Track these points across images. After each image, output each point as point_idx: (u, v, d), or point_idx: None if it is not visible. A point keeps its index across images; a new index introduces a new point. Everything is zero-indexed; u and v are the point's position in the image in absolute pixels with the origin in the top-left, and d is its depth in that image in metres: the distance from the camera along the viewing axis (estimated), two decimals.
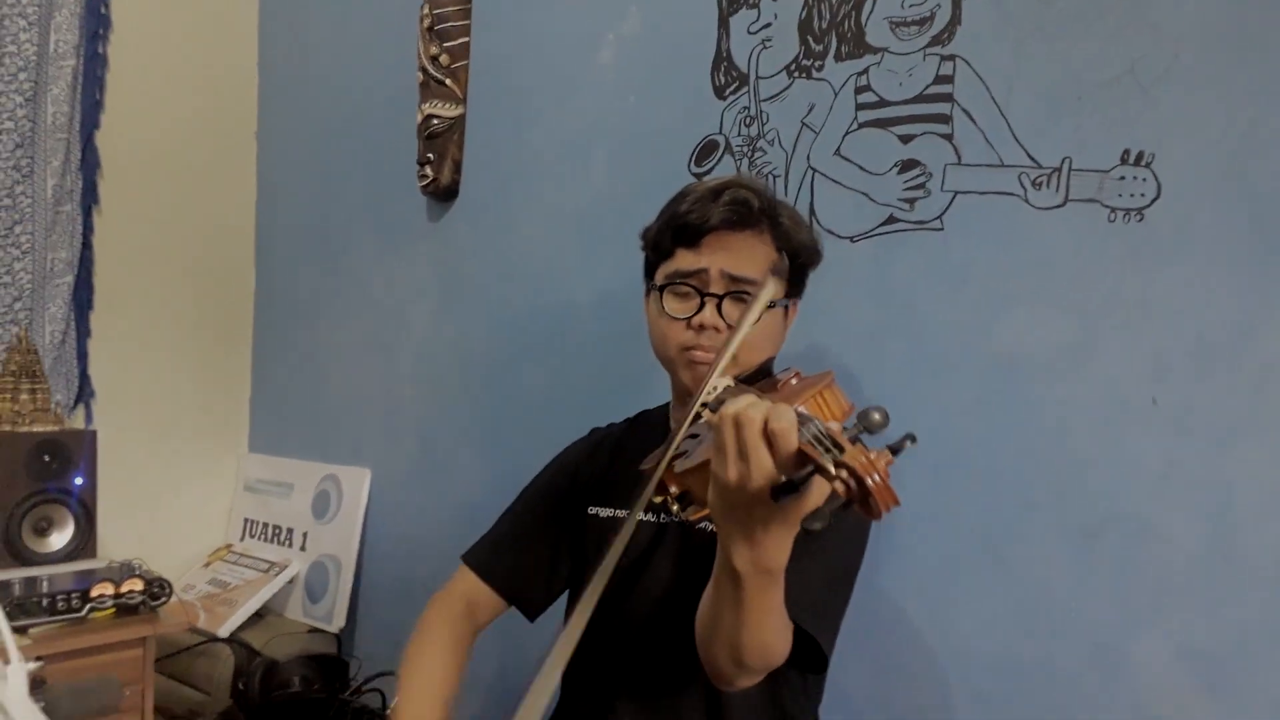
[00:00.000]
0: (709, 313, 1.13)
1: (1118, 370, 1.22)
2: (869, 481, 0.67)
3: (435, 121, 2.02)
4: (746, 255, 1.13)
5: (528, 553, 1.33)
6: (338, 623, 2.13)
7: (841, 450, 0.70)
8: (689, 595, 1.04)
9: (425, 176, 2.03)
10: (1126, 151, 1.22)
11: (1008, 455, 1.30)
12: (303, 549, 2.26)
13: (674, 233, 1.16)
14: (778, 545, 0.83)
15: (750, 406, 0.79)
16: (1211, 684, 1.15)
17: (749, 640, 0.91)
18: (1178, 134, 1.19)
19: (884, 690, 1.40)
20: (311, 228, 2.40)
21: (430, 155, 2.03)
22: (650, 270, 1.23)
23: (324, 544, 2.21)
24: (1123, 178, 1.23)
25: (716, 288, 1.13)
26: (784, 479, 0.73)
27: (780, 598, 0.91)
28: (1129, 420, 1.21)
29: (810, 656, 1.05)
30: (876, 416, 0.74)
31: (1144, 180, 1.21)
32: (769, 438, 0.76)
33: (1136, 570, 1.20)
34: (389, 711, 1.13)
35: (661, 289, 1.17)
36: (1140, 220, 1.21)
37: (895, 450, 0.70)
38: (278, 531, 2.33)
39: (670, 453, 0.93)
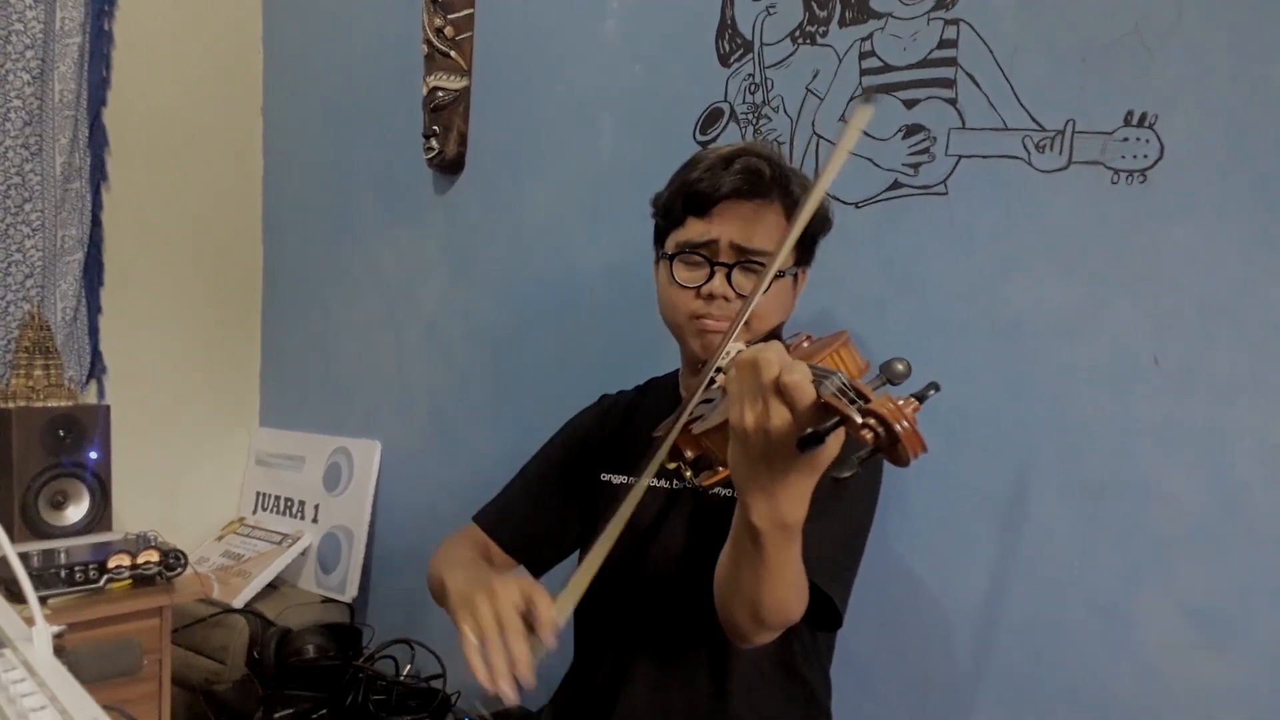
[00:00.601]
0: (719, 282, 1.13)
1: (1121, 331, 1.23)
2: (898, 428, 0.67)
3: (440, 94, 2.03)
4: (757, 225, 1.13)
5: (537, 515, 1.34)
6: (350, 593, 2.16)
7: (867, 400, 0.71)
8: (701, 559, 1.06)
9: (431, 149, 2.04)
10: (1130, 113, 1.22)
11: (1013, 417, 1.31)
12: (314, 521, 2.28)
13: (685, 200, 1.16)
14: (796, 500, 0.84)
15: (766, 349, 0.79)
16: (1213, 640, 1.16)
17: (768, 597, 0.92)
18: (1181, 95, 1.19)
19: (891, 649, 1.42)
20: (318, 203, 2.41)
21: (436, 128, 2.03)
22: (660, 237, 1.23)
23: (336, 516, 2.24)
24: (1126, 139, 1.23)
25: (726, 258, 1.14)
26: (809, 430, 0.72)
27: (798, 554, 0.91)
28: (1132, 381, 1.22)
29: (824, 614, 1.06)
30: (900, 367, 0.76)
31: (1147, 142, 1.21)
32: (782, 391, 0.76)
33: (1139, 529, 1.21)
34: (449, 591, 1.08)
35: (672, 257, 1.17)
36: (1143, 182, 1.22)
37: (921, 398, 0.71)
38: (290, 504, 2.36)
39: (686, 416, 0.94)
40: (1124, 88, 1.23)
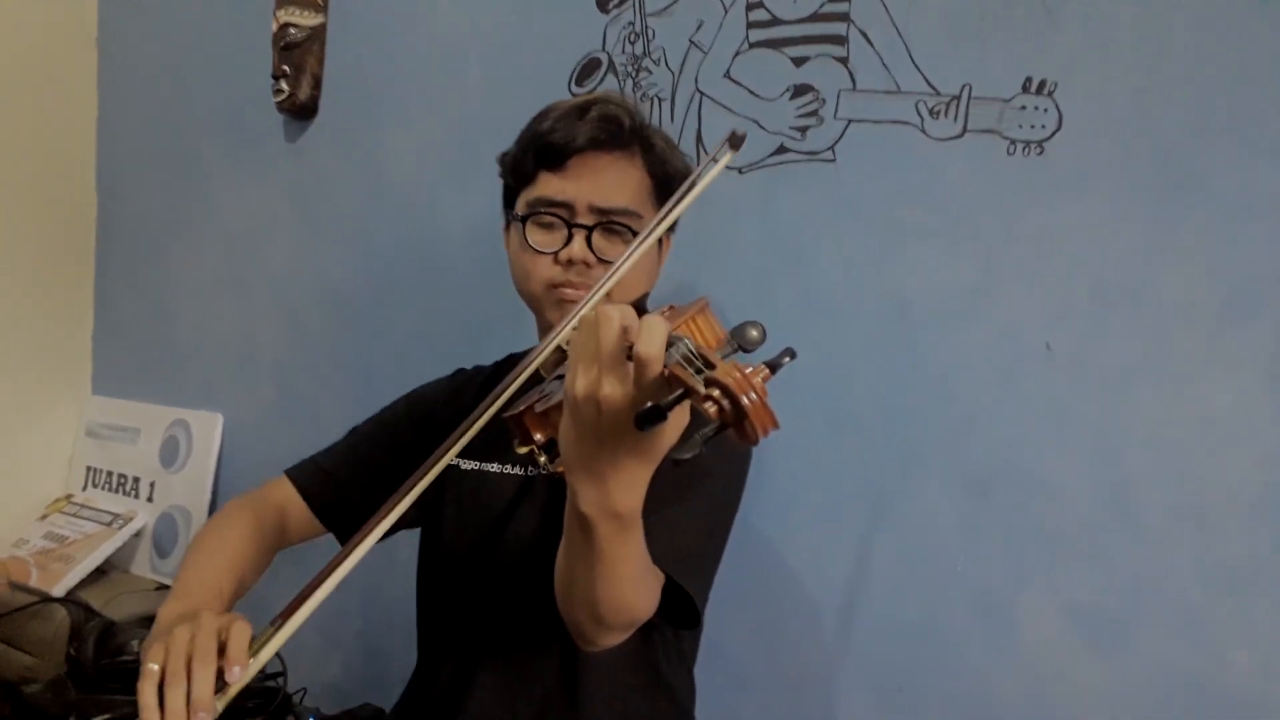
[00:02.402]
0: (578, 246, 1.02)
1: (1013, 314, 1.16)
2: (744, 401, 0.58)
3: (292, 31, 1.82)
4: (616, 182, 1.03)
5: (359, 482, 1.21)
6: None
7: (713, 367, 0.61)
8: (553, 554, 0.94)
9: (281, 92, 1.83)
10: (1029, 79, 1.15)
11: (896, 402, 1.24)
12: (150, 500, 2.07)
13: (536, 154, 1.04)
14: (630, 486, 0.73)
15: (610, 307, 0.68)
16: (1097, 643, 1.11)
17: (606, 595, 0.81)
18: (1082, 62, 1.12)
19: (763, 647, 1.34)
20: (159, 148, 2.17)
21: (286, 68, 1.83)
22: (510, 199, 1.10)
23: (173, 494, 2.03)
24: (1024, 107, 1.15)
25: (585, 219, 1.03)
26: (649, 404, 0.62)
27: (639, 546, 0.81)
28: (1022, 367, 1.15)
29: (682, 610, 0.96)
30: (753, 333, 0.67)
31: (1045, 111, 1.14)
32: (624, 358, 0.66)
33: (1025, 524, 1.16)
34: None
35: (524, 219, 1.05)
36: (1040, 153, 1.14)
37: (773, 367, 0.61)
38: (123, 481, 2.14)
39: (509, 390, 0.85)
40: (1023, 52, 1.16)
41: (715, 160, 0.87)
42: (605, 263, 1.02)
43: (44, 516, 2.17)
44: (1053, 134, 1.13)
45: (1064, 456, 1.13)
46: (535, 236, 1.04)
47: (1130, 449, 1.10)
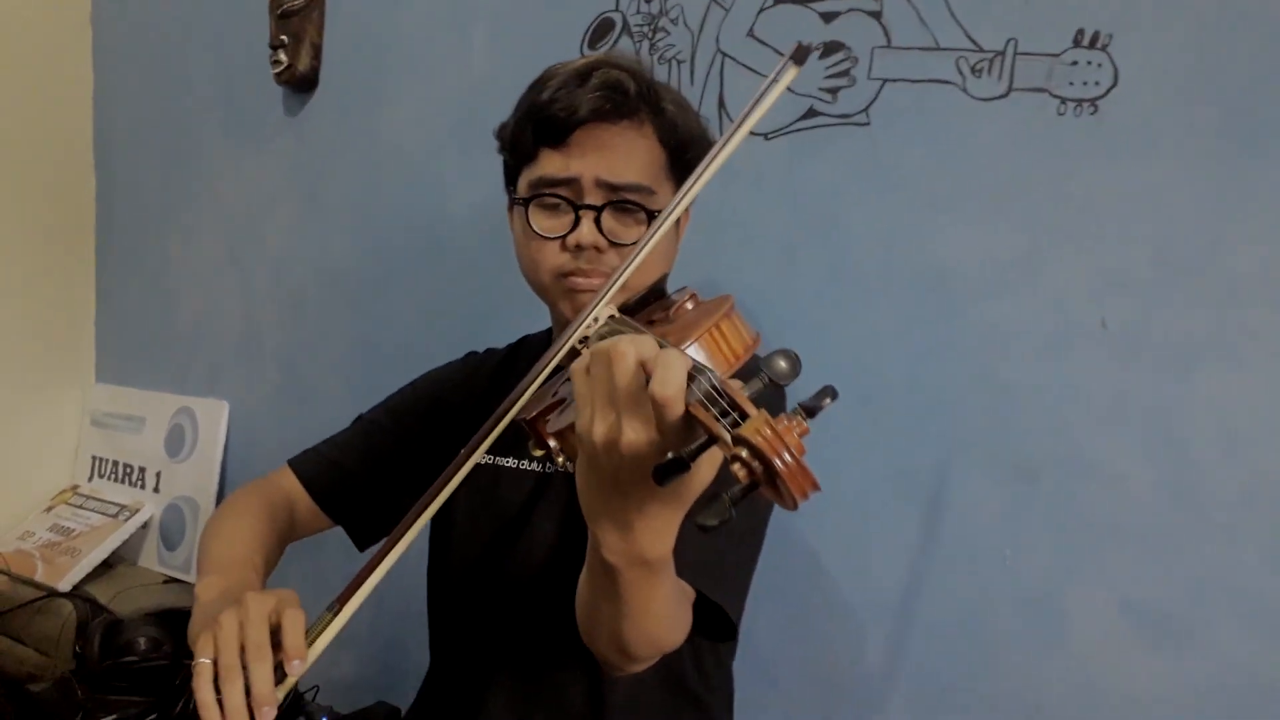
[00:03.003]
0: (586, 230, 0.93)
1: (1064, 287, 1.07)
2: (778, 464, 0.51)
3: None
4: (625, 154, 0.94)
5: (367, 474, 1.15)
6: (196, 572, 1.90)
7: (743, 417, 0.54)
8: (576, 556, 0.87)
9: (279, 63, 1.75)
10: (1080, 32, 1.05)
11: (936, 383, 1.15)
12: (156, 490, 2.02)
13: (535, 128, 0.95)
14: (658, 533, 0.66)
15: (622, 341, 0.60)
16: (1156, 641, 1.03)
17: (633, 633, 0.75)
18: (1139, 10, 1.02)
19: (795, 644, 1.26)
20: (156, 124, 2.09)
21: (284, 38, 1.75)
22: (511, 177, 1.02)
23: (179, 485, 1.97)
24: (1075, 63, 1.06)
25: (593, 198, 0.94)
26: (669, 455, 0.55)
27: (670, 585, 0.74)
28: (1075, 345, 1.07)
29: (716, 623, 0.89)
30: (783, 364, 0.59)
31: (1099, 66, 1.05)
32: (655, 403, 0.58)
33: (1077, 514, 1.07)
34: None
35: (526, 202, 0.96)
36: (1094, 113, 1.05)
37: (811, 412, 0.55)
38: (129, 471, 2.08)
39: (516, 407, 0.79)
40: (1074, 3, 1.06)
41: (776, 80, 0.77)
42: (618, 246, 0.94)
43: (50, 508, 2.12)
44: (1107, 91, 1.04)
45: (1120, 441, 1.04)
46: (539, 221, 0.96)
47: (1194, 432, 1.01)
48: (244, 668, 0.75)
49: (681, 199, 0.80)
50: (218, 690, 0.75)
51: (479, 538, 1.09)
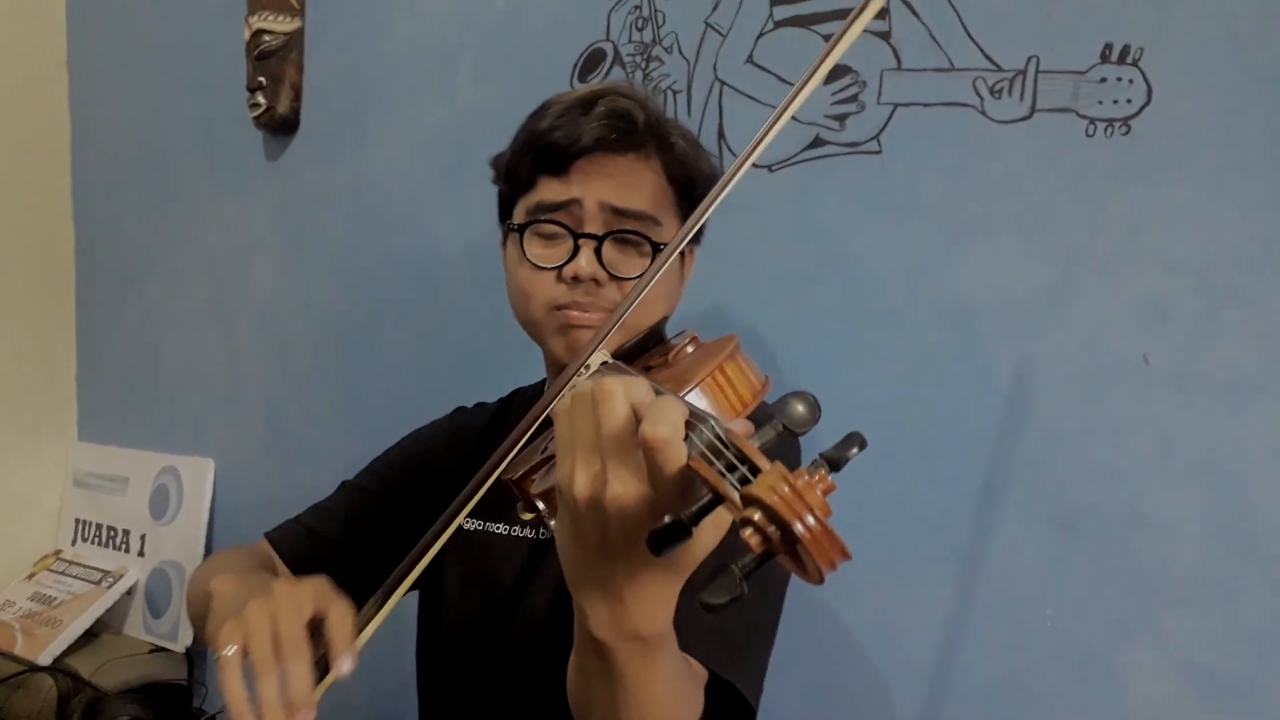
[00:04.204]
0: (585, 260, 0.86)
1: (1101, 321, 0.99)
2: (798, 528, 0.43)
3: (266, 38, 1.67)
4: (630, 183, 0.87)
5: (347, 544, 1.07)
6: (184, 640, 1.81)
7: (754, 472, 0.46)
8: (570, 633, 0.79)
9: (258, 106, 1.69)
10: (1108, 46, 0.99)
11: (966, 428, 1.07)
12: (141, 554, 1.93)
13: (535, 156, 0.88)
14: (653, 606, 0.58)
15: (608, 381, 0.53)
16: (1219, 704, 0.94)
17: None
18: (1173, 21, 0.95)
19: (820, 713, 1.17)
20: (135, 173, 2.03)
21: (262, 80, 1.68)
22: (507, 208, 0.94)
23: (165, 548, 1.89)
24: (1104, 80, 0.99)
25: (593, 225, 0.86)
26: (667, 519, 0.47)
27: (671, 664, 0.65)
28: (1114, 383, 0.99)
29: (731, 705, 0.80)
30: (800, 409, 0.51)
31: (1130, 82, 0.98)
32: (645, 448, 0.50)
33: (1126, 568, 0.99)
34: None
35: (521, 229, 0.89)
36: (1126, 133, 0.98)
37: (835, 465, 0.47)
38: (113, 534, 2.00)
39: (504, 462, 0.71)
40: (1100, 15, 0.99)
41: (861, 12, 0.69)
42: (618, 280, 0.87)
43: (31, 575, 2.03)
44: (1140, 109, 0.97)
45: (1169, 486, 0.96)
46: (535, 249, 0.88)
47: (1248, 475, 0.93)
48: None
49: (700, 218, 0.72)
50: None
51: (469, 610, 1.02)
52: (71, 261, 2.18)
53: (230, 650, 0.67)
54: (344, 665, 0.67)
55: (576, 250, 0.86)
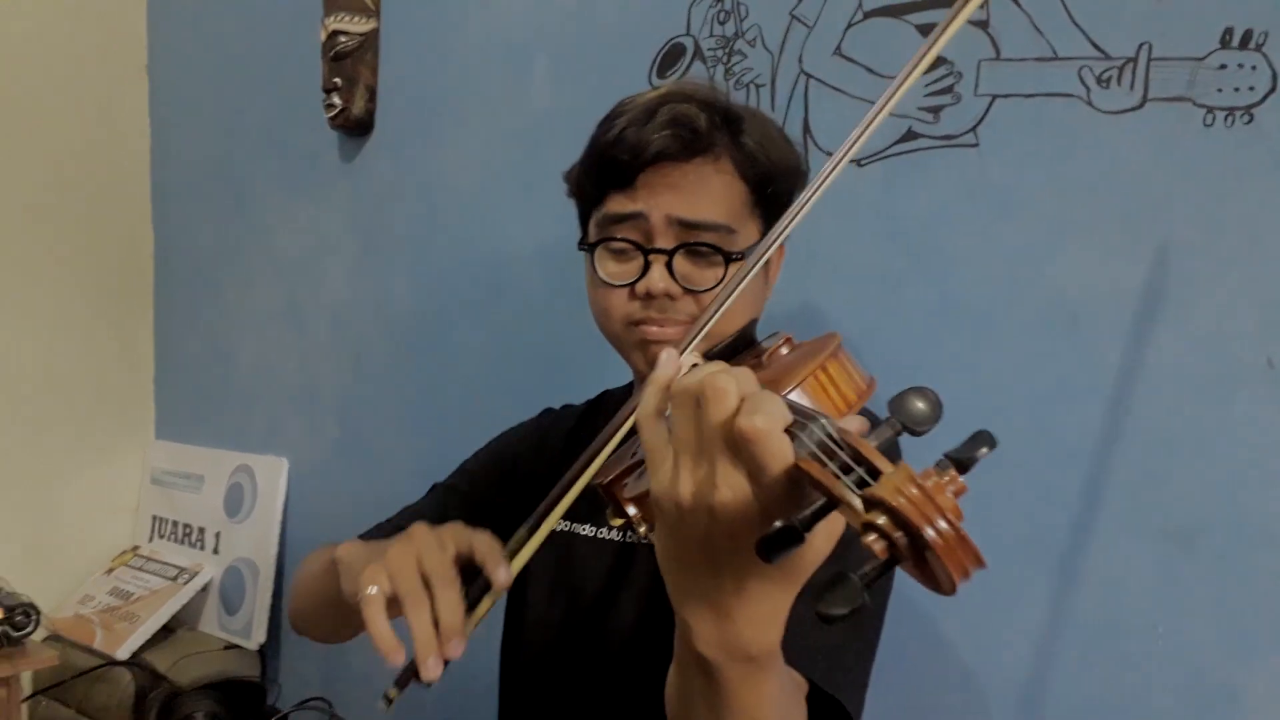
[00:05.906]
0: (657, 276, 0.84)
1: (1221, 322, 0.94)
2: (929, 534, 0.40)
3: (342, 39, 1.67)
4: (700, 192, 0.84)
5: None
6: (257, 638, 1.82)
7: (873, 474, 0.43)
8: (660, 643, 0.76)
9: (333, 107, 1.69)
10: (1228, 31, 0.93)
11: (1069, 434, 1.02)
12: (215, 552, 1.95)
13: (600, 171, 0.86)
14: (763, 620, 0.55)
15: (716, 373, 0.50)
16: None
17: None
18: None
19: None
20: (212, 175, 2.05)
21: (338, 81, 1.68)
22: (583, 222, 0.93)
23: (239, 546, 1.90)
24: (1223, 66, 0.93)
25: (663, 240, 0.84)
26: (777, 524, 0.44)
27: (779, 682, 0.61)
28: (1237, 387, 0.93)
29: (832, 717, 0.76)
30: (920, 406, 0.48)
31: (1253, 69, 0.92)
32: (739, 442, 0.47)
33: (1248, 583, 0.93)
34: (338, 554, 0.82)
35: (593, 247, 0.88)
36: (1249, 122, 0.92)
37: (963, 466, 0.43)
38: (188, 531, 2.02)
39: (586, 473, 0.71)
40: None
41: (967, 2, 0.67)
42: (692, 293, 0.84)
43: (110, 570, 2.06)
44: (1265, 97, 0.91)
45: None
46: (607, 267, 0.87)
47: None
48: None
49: (785, 229, 0.70)
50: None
51: (554, 615, 0.99)
52: (150, 265, 2.22)
53: (373, 589, 0.66)
54: (500, 575, 0.68)
55: (648, 266, 0.84)
